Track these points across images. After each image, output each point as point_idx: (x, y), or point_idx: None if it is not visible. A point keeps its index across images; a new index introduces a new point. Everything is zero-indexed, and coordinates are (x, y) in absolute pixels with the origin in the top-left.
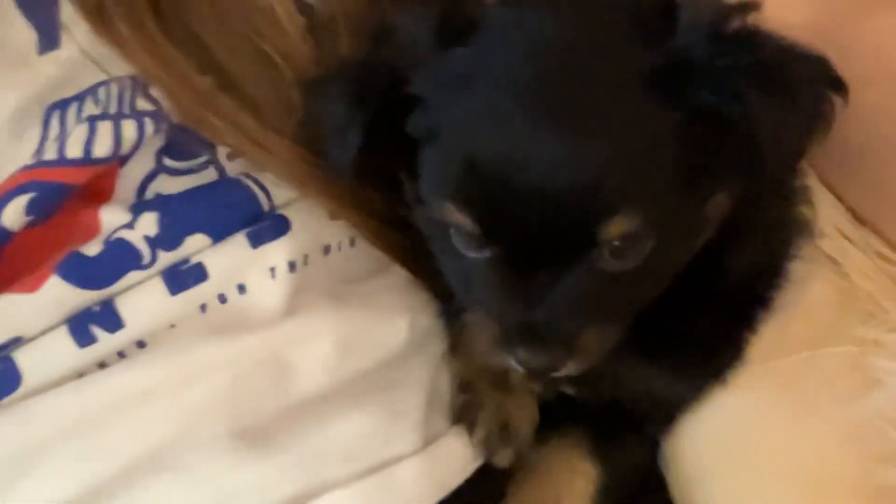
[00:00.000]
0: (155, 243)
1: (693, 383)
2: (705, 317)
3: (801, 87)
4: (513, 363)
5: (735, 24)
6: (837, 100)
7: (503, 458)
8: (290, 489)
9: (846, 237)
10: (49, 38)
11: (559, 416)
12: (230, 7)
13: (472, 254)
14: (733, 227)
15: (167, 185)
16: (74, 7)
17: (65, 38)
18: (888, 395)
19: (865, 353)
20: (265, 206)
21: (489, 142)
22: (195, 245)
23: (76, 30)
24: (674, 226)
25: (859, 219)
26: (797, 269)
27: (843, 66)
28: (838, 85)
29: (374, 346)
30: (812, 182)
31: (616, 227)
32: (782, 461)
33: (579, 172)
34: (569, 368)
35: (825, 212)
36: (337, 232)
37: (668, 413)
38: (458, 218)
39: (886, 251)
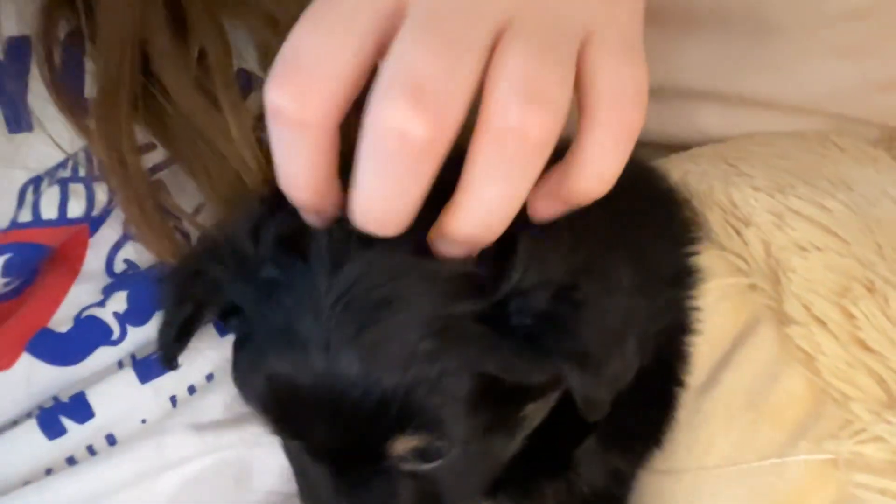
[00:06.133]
0: (124, 318)
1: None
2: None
3: (615, 373)
4: None
5: (559, 301)
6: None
7: None
8: None
9: (819, 319)
10: (18, 119)
11: None
12: (207, 130)
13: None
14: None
15: (135, 253)
16: (51, 98)
17: (35, 123)
18: None
19: (838, 465)
20: None
21: (284, 361)
22: None
23: (46, 116)
24: (478, 434)
25: None
26: (763, 359)
27: None
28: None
29: None
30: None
31: (403, 445)
32: None
33: (364, 397)
34: None
35: (792, 285)
36: None
37: None
38: (262, 419)
39: (870, 336)
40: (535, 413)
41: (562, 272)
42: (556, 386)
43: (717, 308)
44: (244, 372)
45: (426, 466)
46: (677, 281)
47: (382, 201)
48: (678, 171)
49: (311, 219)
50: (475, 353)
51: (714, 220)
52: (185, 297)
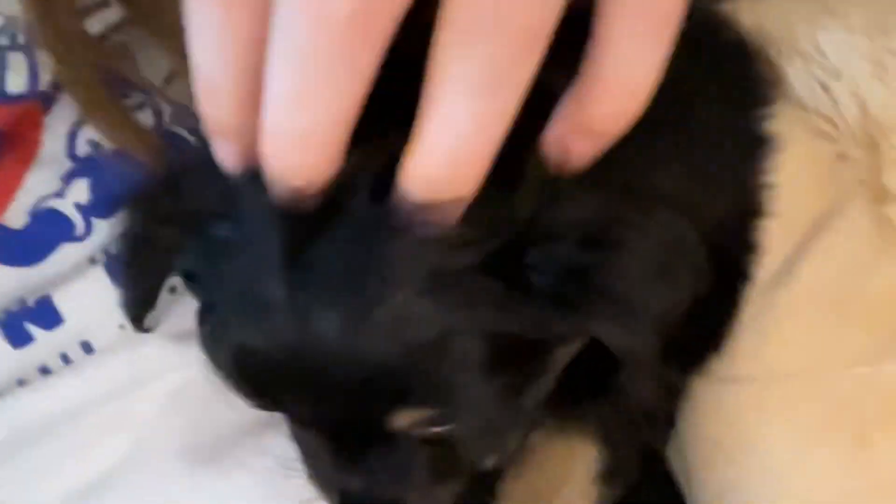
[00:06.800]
0: (88, 211)
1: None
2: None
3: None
4: None
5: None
6: None
7: None
8: None
9: None
10: None
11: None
12: None
13: None
14: None
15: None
16: None
17: None
18: None
19: None
20: None
21: (248, 331)
22: None
23: None
24: (500, 391)
25: None
26: (854, 246)
27: None
28: None
29: None
30: None
31: (403, 419)
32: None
33: (349, 368)
34: None
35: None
36: None
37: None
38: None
39: None
40: (566, 354)
41: (590, 205)
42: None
43: (795, 184)
44: (209, 346)
45: (439, 430)
46: (745, 154)
47: (298, 106)
48: (750, 13)
49: (228, 156)
50: (486, 312)
51: (794, 72)
52: (140, 269)
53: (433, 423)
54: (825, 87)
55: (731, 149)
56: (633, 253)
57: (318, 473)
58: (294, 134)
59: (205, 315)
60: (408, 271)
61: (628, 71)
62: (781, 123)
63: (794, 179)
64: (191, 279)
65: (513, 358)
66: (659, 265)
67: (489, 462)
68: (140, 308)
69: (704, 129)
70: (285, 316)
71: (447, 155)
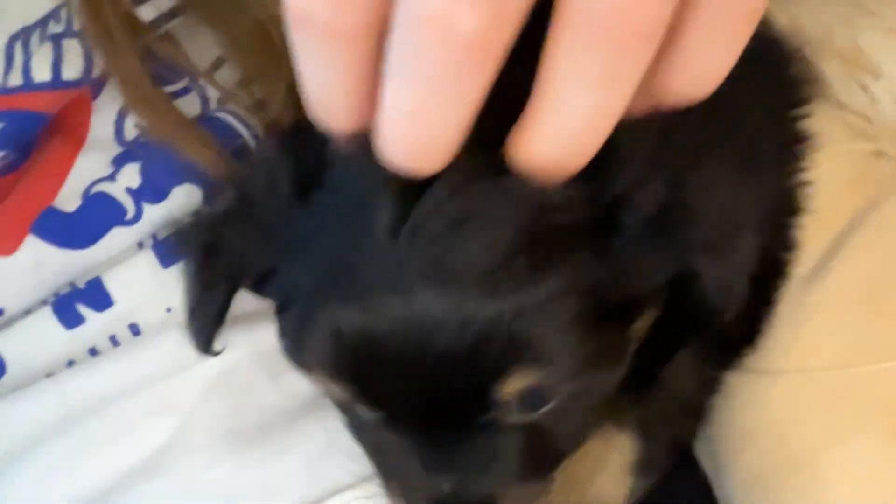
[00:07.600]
0: (139, 196)
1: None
2: None
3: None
4: None
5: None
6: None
7: None
8: (297, 492)
9: None
10: None
11: None
12: None
13: (364, 414)
14: None
15: None
16: None
17: None
18: None
19: None
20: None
21: (348, 312)
22: (184, 197)
23: None
24: (590, 362)
25: None
26: (889, 243)
27: None
28: None
29: None
30: None
31: (514, 385)
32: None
33: (458, 335)
34: None
35: None
36: None
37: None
38: (331, 387)
39: None
40: (638, 333)
41: (670, 166)
42: (658, 299)
43: (832, 181)
44: (296, 337)
45: (533, 415)
46: (783, 152)
47: (418, 123)
48: (786, 13)
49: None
50: (582, 264)
51: (832, 72)
52: (213, 280)
53: (532, 400)
54: (864, 87)
55: (769, 147)
56: (713, 200)
57: (404, 483)
58: (411, 146)
59: (285, 309)
60: (502, 231)
61: (706, 61)
62: (819, 122)
63: (830, 177)
64: (263, 281)
65: (600, 320)
66: (734, 218)
67: (579, 439)
68: (210, 331)
69: (743, 129)
70: (386, 292)
71: (562, 142)
